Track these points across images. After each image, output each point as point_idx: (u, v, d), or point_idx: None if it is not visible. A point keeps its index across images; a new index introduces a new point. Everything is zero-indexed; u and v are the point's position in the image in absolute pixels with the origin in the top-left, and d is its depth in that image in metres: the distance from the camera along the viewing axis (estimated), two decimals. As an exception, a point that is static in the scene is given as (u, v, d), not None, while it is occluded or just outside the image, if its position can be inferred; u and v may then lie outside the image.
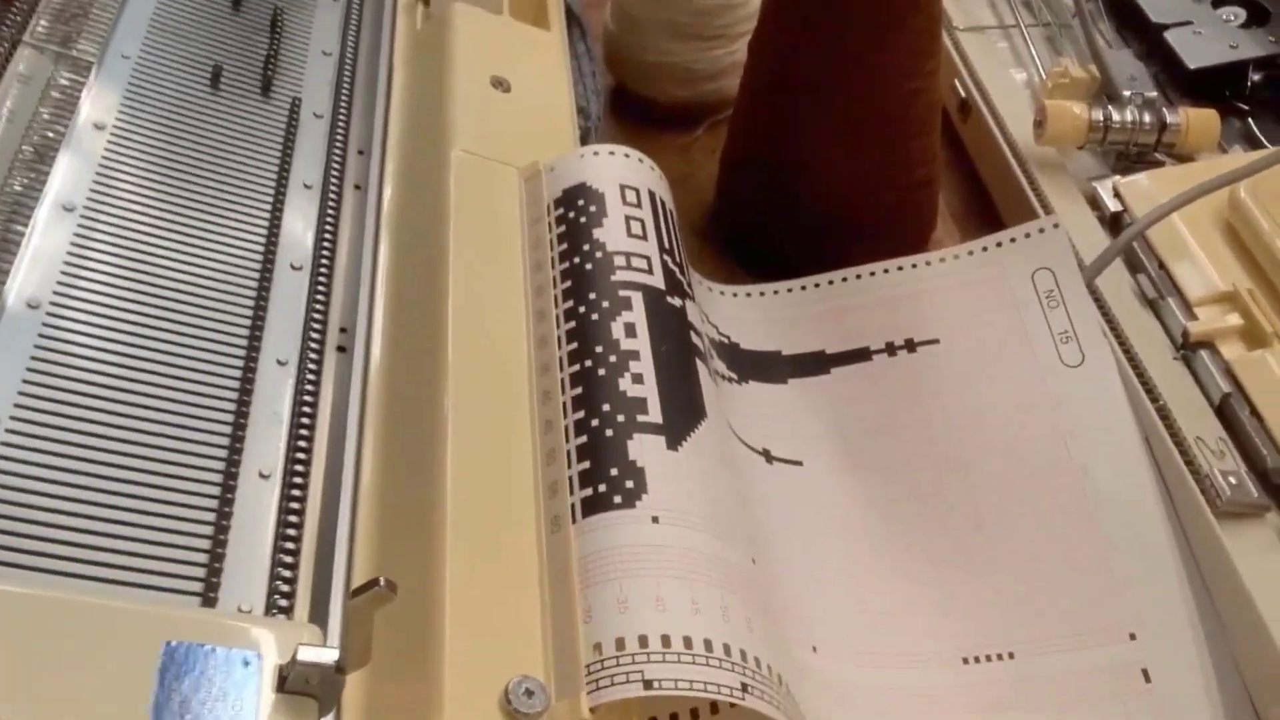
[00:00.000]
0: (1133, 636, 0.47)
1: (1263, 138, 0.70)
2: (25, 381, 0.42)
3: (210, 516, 0.40)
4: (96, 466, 0.40)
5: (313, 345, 0.47)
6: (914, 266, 0.57)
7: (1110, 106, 0.67)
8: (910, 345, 0.56)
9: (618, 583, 0.39)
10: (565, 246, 0.50)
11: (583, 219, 0.51)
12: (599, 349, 0.46)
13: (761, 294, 0.59)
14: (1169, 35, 0.73)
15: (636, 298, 0.48)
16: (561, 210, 0.51)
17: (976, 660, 0.47)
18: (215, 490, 0.41)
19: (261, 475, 0.42)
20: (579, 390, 0.44)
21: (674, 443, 0.43)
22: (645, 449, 0.43)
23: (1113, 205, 0.65)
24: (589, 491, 0.41)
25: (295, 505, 0.42)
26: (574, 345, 0.46)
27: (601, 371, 0.45)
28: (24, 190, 0.47)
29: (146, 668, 0.32)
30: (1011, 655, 0.47)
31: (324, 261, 0.50)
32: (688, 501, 0.42)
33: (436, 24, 0.60)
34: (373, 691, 0.36)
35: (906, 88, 0.58)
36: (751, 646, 0.38)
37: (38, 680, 0.31)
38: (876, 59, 0.57)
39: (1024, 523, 0.51)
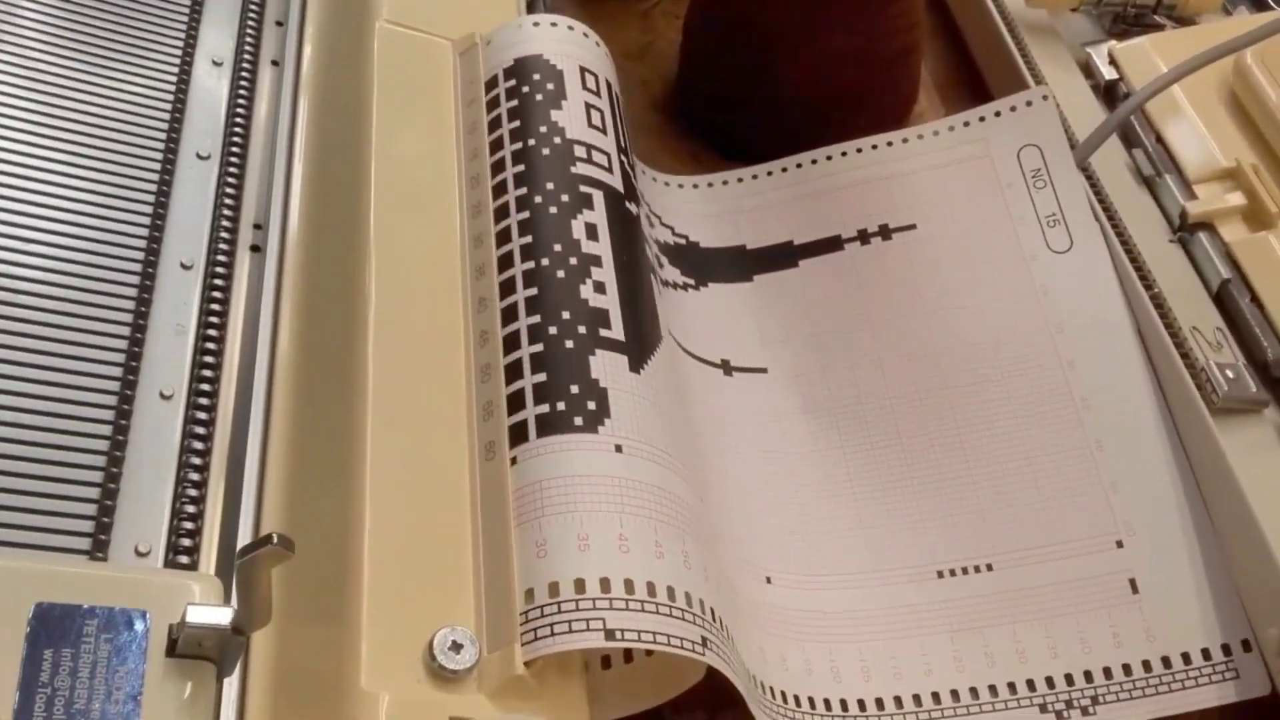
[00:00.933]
0: (1120, 544, 0.44)
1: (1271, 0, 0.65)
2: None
3: (104, 445, 0.36)
4: (-28, 389, 0.36)
5: (222, 245, 0.42)
6: (889, 145, 0.53)
7: (1108, -35, 0.62)
8: (885, 232, 0.51)
9: (577, 516, 0.35)
10: (516, 124, 0.45)
11: (538, 96, 0.46)
12: (557, 247, 0.41)
13: (725, 183, 0.54)
14: (1171, -117, 0.67)
15: (597, 196, 0.43)
16: (513, 83, 0.46)
17: (952, 573, 0.44)
18: (109, 414, 0.37)
19: (163, 396, 0.38)
20: (533, 291, 0.40)
21: (636, 365, 0.40)
22: (607, 368, 0.39)
23: (1108, 73, 0.60)
24: (544, 409, 0.37)
25: (200, 430, 0.38)
26: (527, 239, 0.41)
27: (560, 274, 0.41)
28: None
29: (14, 634, 0.28)
30: (990, 567, 0.44)
31: (235, 149, 0.45)
32: (650, 432, 0.38)
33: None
34: (285, 647, 0.32)
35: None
36: (708, 596, 0.35)
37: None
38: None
39: (1004, 423, 0.47)
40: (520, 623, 0.33)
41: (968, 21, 0.65)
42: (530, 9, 0.54)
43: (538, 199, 0.43)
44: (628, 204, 0.45)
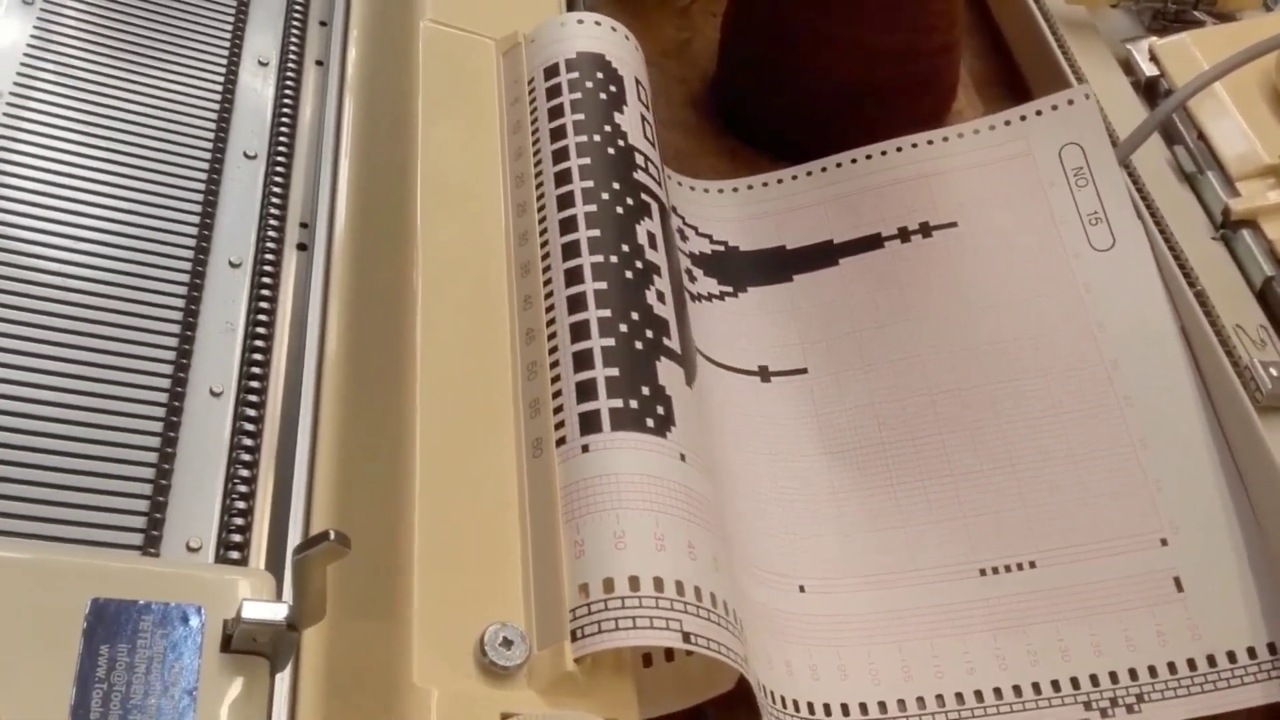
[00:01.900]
0: (1164, 542, 0.44)
1: (1316, -6, 0.64)
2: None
3: (155, 442, 0.37)
4: (28, 390, 0.36)
5: (269, 244, 0.43)
6: (929, 144, 0.53)
7: (1148, -39, 0.61)
8: (925, 230, 0.51)
9: (653, 515, 0.35)
10: (580, 117, 0.45)
11: (602, 95, 0.46)
12: (625, 248, 0.41)
13: (765, 185, 0.54)
14: (1212, -123, 0.67)
15: (654, 208, 0.44)
16: (575, 75, 0.46)
17: (995, 571, 0.44)
18: (160, 411, 0.37)
19: (213, 393, 0.39)
20: (602, 286, 0.40)
21: (689, 378, 0.40)
22: (669, 377, 0.39)
23: (1148, 70, 0.60)
24: (618, 403, 0.37)
25: (250, 427, 0.38)
26: (594, 232, 0.41)
27: (629, 274, 0.41)
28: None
29: (71, 630, 0.29)
30: (1033, 564, 0.44)
31: (281, 149, 0.45)
32: (703, 448, 0.39)
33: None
34: (336, 642, 0.33)
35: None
36: (742, 613, 0.36)
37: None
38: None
39: (1047, 420, 0.47)
40: (570, 619, 0.33)
41: (1007, 19, 0.65)
42: (570, 7, 0.55)
43: (605, 195, 0.43)
44: (669, 220, 0.45)
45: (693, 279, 0.49)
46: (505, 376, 0.38)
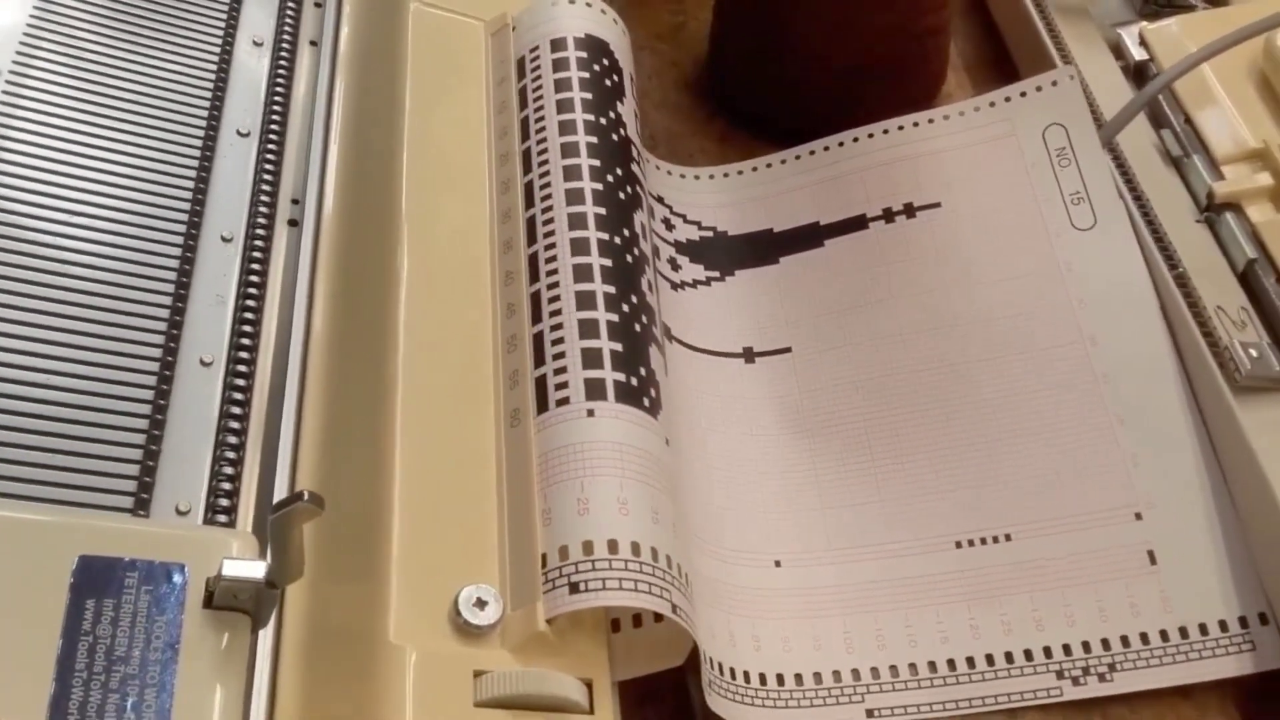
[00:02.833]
0: (1138, 516, 0.45)
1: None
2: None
3: (146, 409, 0.38)
4: (25, 358, 0.37)
5: (260, 219, 0.43)
6: (915, 126, 0.53)
7: (1138, -55, 0.62)
8: (909, 210, 0.52)
9: (641, 486, 0.37)
10: (588, 96, 0.46)
11: (607, 83, 0.47)
12: (625, 232, 0.43)
13: (754, 169, 0.55)
14: None
15: (644, 202, 0.45)
16: (583, 54, 0.47)
17: (970, 544, 0.45)
18: (152, 380, 0.38)
19: (203, 363, 0.40)
20: (608, 263, 0.41)
21: (666, 370, 0.42)
22: (658, 364, 0.41)
23: (1138, 54, 0.60)
24: (621, 376, 0.39)
25: (239, 396, 0.39)
26: (601, 210, 0.43)
27: (629, 258, 0.42)
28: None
29: (59, 585, 0.30)
30: (1008, 537, 0.45)
31: (274, 127, 0.46)
32: (675, 435, 0.40)
33: None
34: (318, 602, 0.34)
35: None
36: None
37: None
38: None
39: (1026, 396, 0.48)
40: (543, 581, 0.34)
41: (997, 1, 0.65)
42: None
43: (610, 178, 0.44)
44: (651, 218, 0.47)
45: (676, 267, 0.50)
46: (486, 349, 0.39)
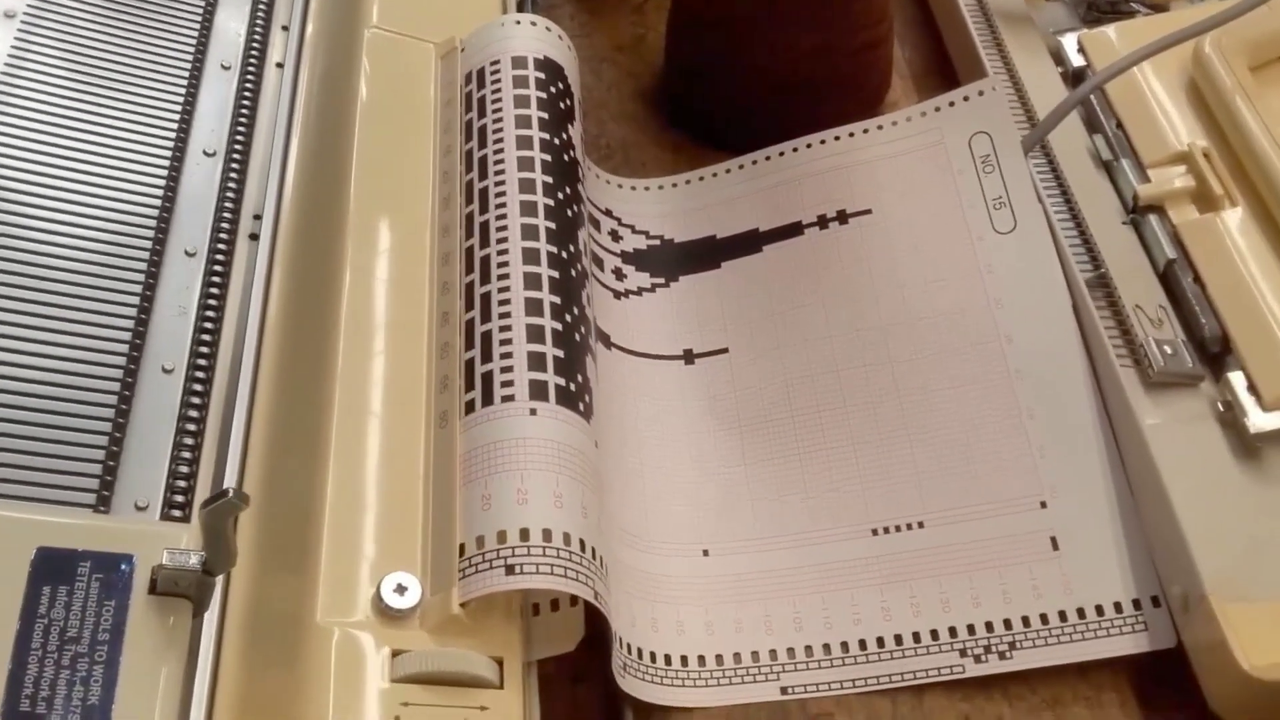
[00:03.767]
0: (1044, 505, 0.47)
1: (1244, -16, 0.67)
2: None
3: (110, 413, 0.41)
4: (-2, 365, 0.41)
5: (222, 235, 0.47)
6: (851, 136, 0.56)
7: (1079, -47, 0.64)
8: (842, 217, 0.55)
9: (582, 486, 0.41)
10: (545, 116, 0.49)
11: (561, 105, 0.51)
12: (571, 248, 0.46)
13: (701, 179, 0.58)
14: None
15: (586, 222, 0.48)
16: (542, 75, 0.51)
17: (887, 531, 0.48)
18: (116, 385, 0.42)
19: (164, 370, 0.43)
20: (555, 274, 0.45)
21: (597, 378, 0.45)
22: (592, 373, 0.44)
23: (1076, 60, 0.63)
24: (562, 381, 0.42)
25: (196, 400, 0.42)
26: (551, 224, 0.46)
27: (573, 272, 0.46)
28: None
29: (19, 574, 0.33)
30: (921, 525, 0.48)
31: (238, 147, 0.50)
32: (602, 439, 0.44)
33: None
34: (257, 589, 0.37)
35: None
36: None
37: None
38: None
39: (944, 392, 0.50)
40: (459, 568, 0.37)
41: (941, 12, 0.68)
42: (521, 7, 0.58)
43: (560, 195, 0.47)
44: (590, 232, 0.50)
45: (621, 277, 0.54)
46: (419, 354, 0.42)
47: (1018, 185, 0.54)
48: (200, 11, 0.54)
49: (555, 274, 0.45)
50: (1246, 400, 0.48)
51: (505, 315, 0.43)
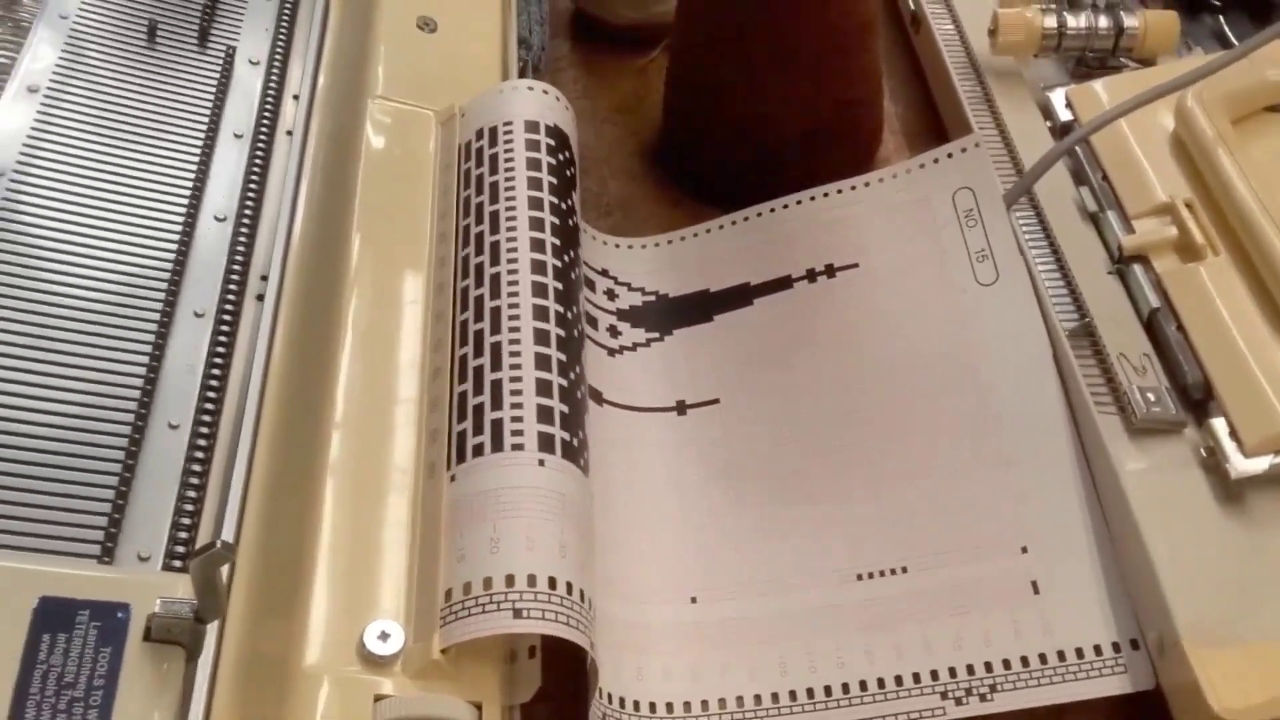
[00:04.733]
0: (1025, 550, 0.48)
1: (1232, 37, 0.68)
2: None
3: (116, 467, 0.43)
4: (5, 420, 0.43)
5: (230, 296, 0.49)
6: (839, 192, 0.58)
7: (1066, 12, 0.66)
8: (830, 270, 0.56)
9: (584, 541, 0.42)
10: (555, 181, 0.51)
11: (568, 172, 0.53)
12: (575, 309, 0.48)
13: (695, 235, 0.60)
14: (1133, -73, 0.71)
15: (587, 285, 0.50)
16: (552, 142, 0.53)
17: (871, 576, 0.49)
18: (124, 441, 0.44)
19: (170, 426, 0.45)
20: (561, 333, 0.47)
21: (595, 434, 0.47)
22: (589, 430, 0.46)
23: (1064, 114, 0.64)
24: (566, 436, 0.44)
25: (200, 455, 0.44)
26: (559, 285, 0.48)
27: (575, 332, 0.48)
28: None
29: (21, 621, 0.35)
30: (905, 569, 0.49)
31: (248, 213, 0.52)
32: (606, 491, 0.46)
33: (369, -39, 0.61)
34: (250, 636, 0.39)
35: (834, 8, 0.58)
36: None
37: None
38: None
39: (926, 440, 0.52)
40: (441, 614, 0.39)
41: (930, 70, 0.70)
42: (524, 74, 0.61)
43: (566, 258, 0.49)
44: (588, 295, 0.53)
45: (616, 334, 0.55)
46: (411, 408, 0.44)
47: (1000, 239, 0.55)
48: (215, 81, 0.57)
49: (561, 332, 0.47)
50: (1228, 446, 0.49)
51: (515, 366, 0.45)
